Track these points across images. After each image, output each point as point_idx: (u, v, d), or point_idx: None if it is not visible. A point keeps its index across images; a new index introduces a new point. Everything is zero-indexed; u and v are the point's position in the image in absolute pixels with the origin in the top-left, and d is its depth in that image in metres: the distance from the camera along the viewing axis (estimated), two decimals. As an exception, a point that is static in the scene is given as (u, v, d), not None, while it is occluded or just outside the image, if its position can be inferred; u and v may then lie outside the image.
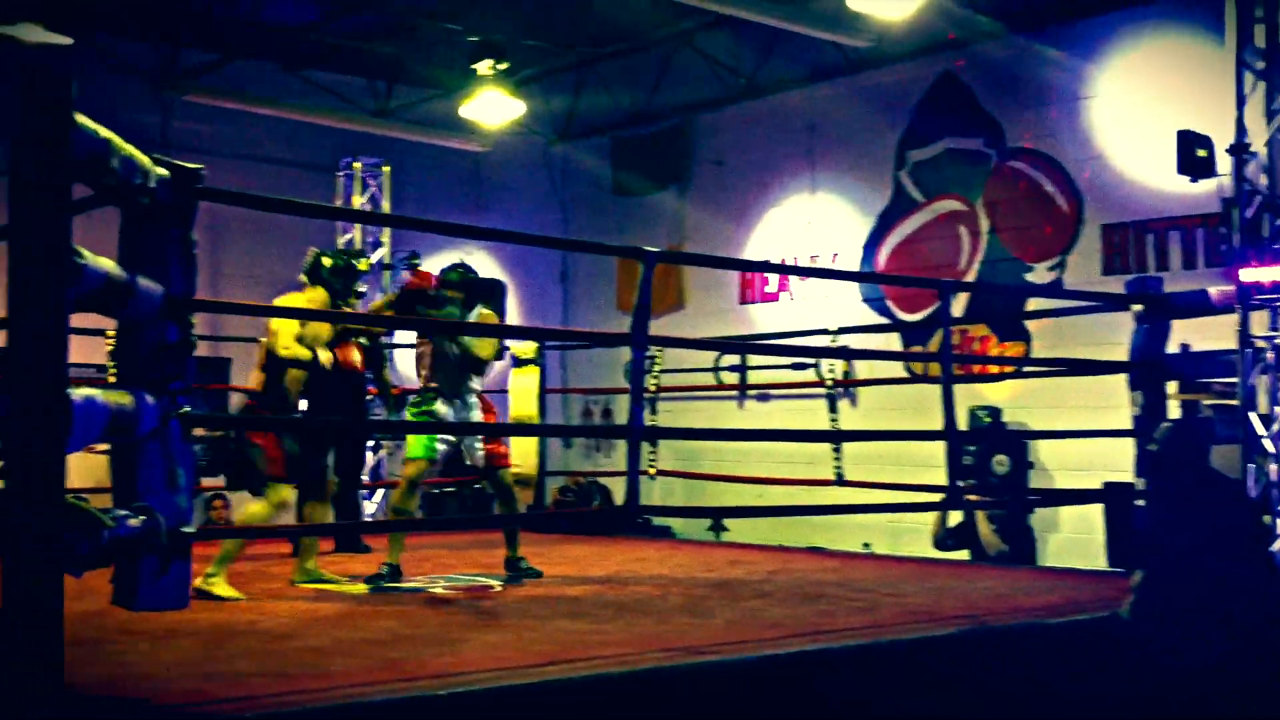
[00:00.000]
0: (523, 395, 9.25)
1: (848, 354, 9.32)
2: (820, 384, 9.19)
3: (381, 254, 12.19)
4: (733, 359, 11.47)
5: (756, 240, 11.96)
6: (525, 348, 9.31)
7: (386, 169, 12.24)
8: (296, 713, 2.98)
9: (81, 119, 2.80)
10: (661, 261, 4.70)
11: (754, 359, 11.25)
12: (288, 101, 11.65)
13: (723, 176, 12.31)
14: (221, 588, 5.21)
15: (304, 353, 5.78)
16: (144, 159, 3.12)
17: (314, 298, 5.99)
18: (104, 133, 2.92)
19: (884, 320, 10.90)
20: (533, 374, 9.26)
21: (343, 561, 6.75)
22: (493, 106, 11.18)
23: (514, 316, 12.64)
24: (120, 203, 3.18)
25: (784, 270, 12.16)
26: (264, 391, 5.83)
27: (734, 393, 11.44)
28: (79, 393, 2.81)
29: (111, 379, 7.66)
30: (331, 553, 7.26)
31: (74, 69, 2.78)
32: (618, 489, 10.77)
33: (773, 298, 11.85)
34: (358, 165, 12.12)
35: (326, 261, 6.01)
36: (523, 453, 9.10)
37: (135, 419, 3.06)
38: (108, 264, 2.97)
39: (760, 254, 11.81)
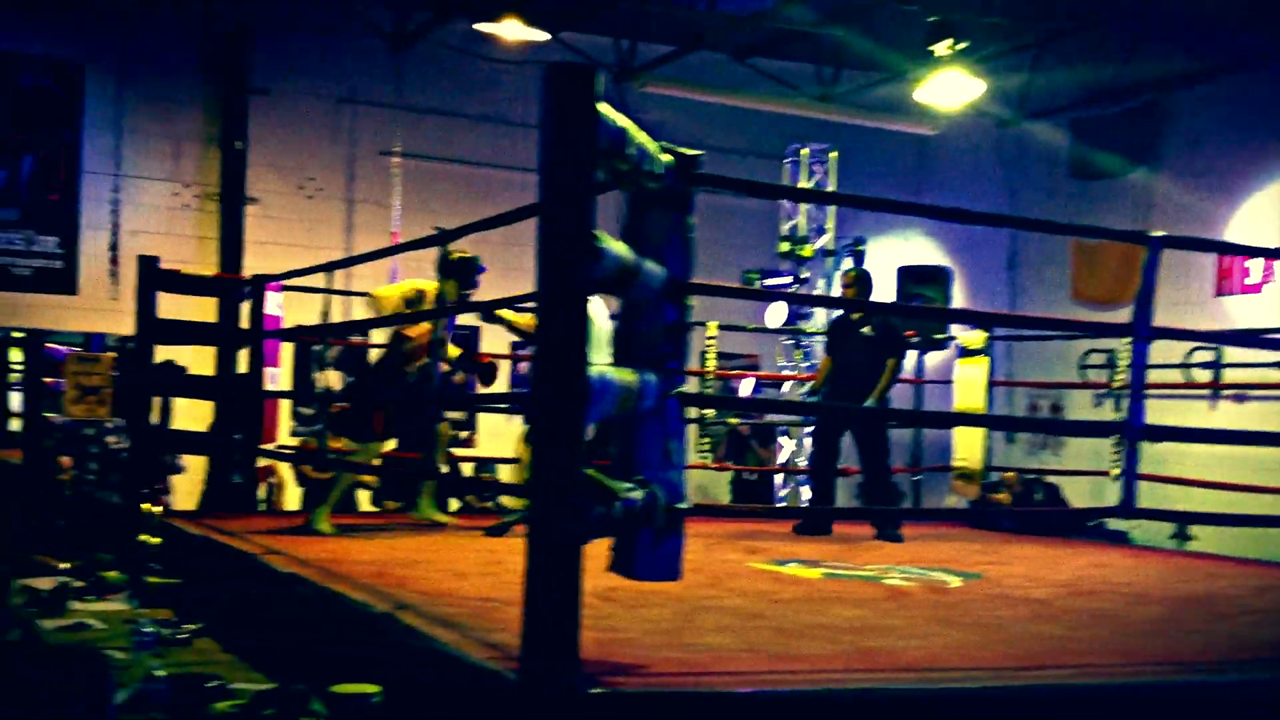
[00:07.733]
0: (969, 386, 9.03)
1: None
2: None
3: (825, 240, 12.23)
4: (1206, 355, 10.67)
5: (1236, 227, 11.04)
6: (973, 337, 9.07)
7: (833, 155, 12.25)
8: (786, 695, 3.00)
9: (604, 108, 2.93)
10: (1169, 247, 4.40)
11: (1230, 355, 10.42)
12: (737, 89, 11.90)
13: (1195, 159, 11.45)
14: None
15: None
16: (653, 146, 3.23)
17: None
18: (621, 121, 3.04)
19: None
20: (981, 364, 9.02)
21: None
22: (950, 87, 10.94)
23: (958, 304, 12.35)
24: (629, 188, 3.30)
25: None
26: None
27: (1206, 392, 10.65)
28: (594, 369, 2.94)
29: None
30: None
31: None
32: (1068, 489, 10.29)
33: (1254, 289, 10.89)
34: (805, 151, 12.19)
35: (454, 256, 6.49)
36: (967, 445, 8.89)
37: (638, 396, 3.17)
38: (620, 247, 3.10)
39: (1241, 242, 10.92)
